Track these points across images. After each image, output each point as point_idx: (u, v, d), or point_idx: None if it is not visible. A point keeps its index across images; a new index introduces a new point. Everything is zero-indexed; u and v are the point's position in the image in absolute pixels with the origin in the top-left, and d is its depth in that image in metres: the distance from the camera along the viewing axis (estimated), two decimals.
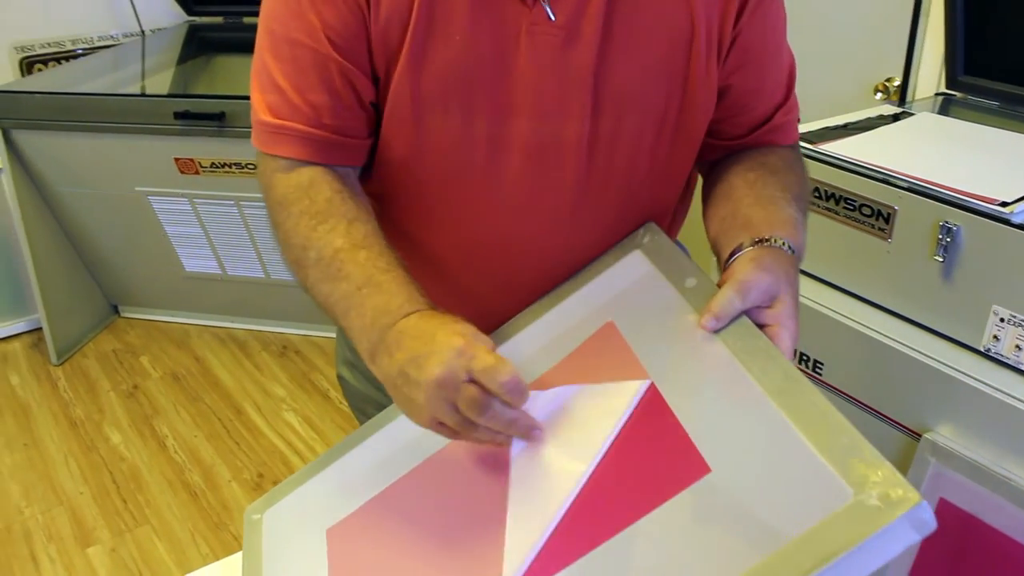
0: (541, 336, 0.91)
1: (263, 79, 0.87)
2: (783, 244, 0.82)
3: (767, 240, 0.82)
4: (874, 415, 1.44)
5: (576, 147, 0.88)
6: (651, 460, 0.73)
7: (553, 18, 0.83)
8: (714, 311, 0.75)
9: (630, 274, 0.91)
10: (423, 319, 0.76)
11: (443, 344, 0.72)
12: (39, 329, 2.76)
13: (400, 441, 0.91)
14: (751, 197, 0.89)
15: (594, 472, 0.75)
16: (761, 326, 0.76)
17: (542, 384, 0.84)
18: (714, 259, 0.90)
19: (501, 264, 0.95)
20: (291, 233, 0.85)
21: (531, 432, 0.76)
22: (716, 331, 0.75)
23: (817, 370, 1.51)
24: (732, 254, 0.83)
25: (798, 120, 1.02)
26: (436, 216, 0.94)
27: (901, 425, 1.40)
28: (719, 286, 0.80)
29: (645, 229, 0.95)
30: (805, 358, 1.53)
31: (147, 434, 2.37)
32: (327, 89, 0.85)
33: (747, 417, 0.70)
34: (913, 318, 1.41)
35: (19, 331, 2.88)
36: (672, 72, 0.88)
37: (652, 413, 0.75)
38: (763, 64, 0.94)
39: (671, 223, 1.04)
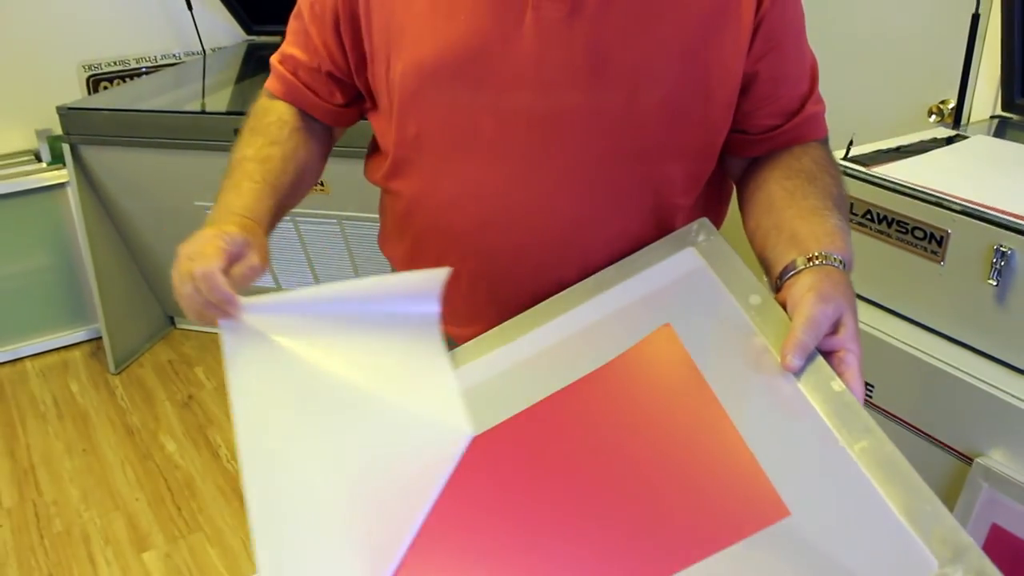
0: (586, 323, 0.91)
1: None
2: (836, 261, 0.83)
3: (818, 257, 0.83)
4: (925, 438, 1.43)
5: (581, 118, 0.91)
6: (724, 493, 0.73)
7: None
8: (795, 352, 0.77)
9: (685, 273, 0.91)
10: (237, 222, 0.91)
11: (204, 231, 0.88)
12: (98, 338, 2.83)
13: None
14: (793, 209, 0.90)
15: (658, 494, 0.75)
16: (829, 351, 0.78)
17: (591, 381, 0.85)
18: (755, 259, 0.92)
19: (514, 238, 0.97)
20: (238, 136, 1.05)
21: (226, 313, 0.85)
22: (797, 372, 0.77)
23: (868, 392, 1.51)
24: (785, 271, 0.85)
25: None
26: (451, 191, 0.98)
27: (953, 449, 1.39)
28: (783, 307, 0.82)
29: (699, 226, 0.94)
30: None
31: (201, 443, 2.43)
32: (304, 50, 1.04)
33: (827, 468, 0.71)
34: (966, 342, 1.40)
35: (79, 340, 2.96)
36: (687, 52, 0.90)
37: (725, 444, 0.76)
38: (786, 51, 0.97)
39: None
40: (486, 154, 0.94)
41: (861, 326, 1.46)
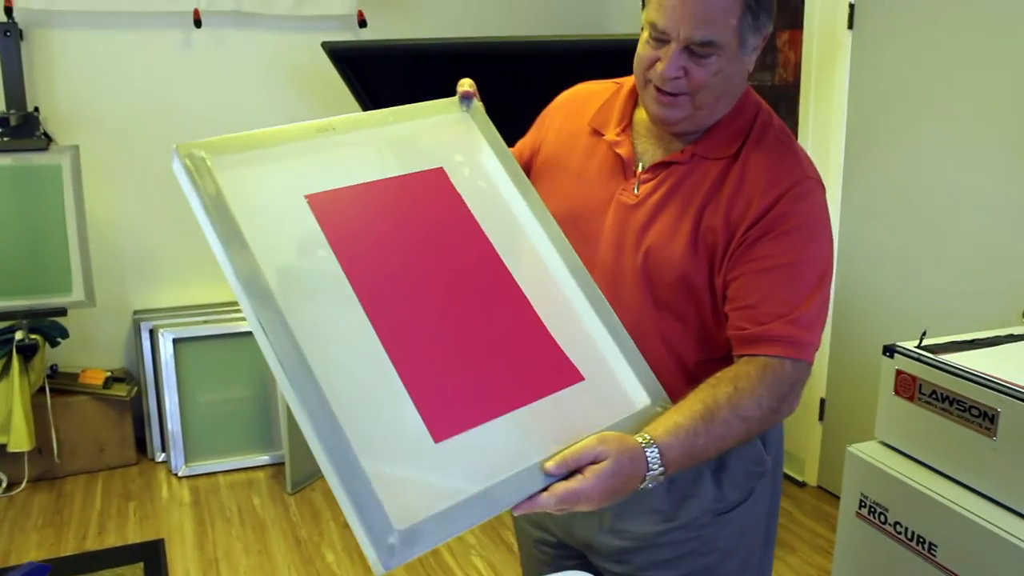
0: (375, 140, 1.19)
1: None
2: (645, 440, 1.07)
3: (646, 442, 1.07)
4: None
5: (630, 272, 1.26)
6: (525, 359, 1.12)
7: (637, 192, 1.26)
8: (558, 464, 1.02)
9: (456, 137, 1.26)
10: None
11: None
12: (281, 463, 3.29)
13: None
14: (688, 396, 1.14)
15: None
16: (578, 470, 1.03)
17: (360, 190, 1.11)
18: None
19: None
20: None
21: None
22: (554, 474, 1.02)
23: (932, 552, 1.69)
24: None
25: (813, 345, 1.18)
26: None
27: None
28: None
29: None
30: (921, 540, 1.71)
31: (356, 558, 2.78)
32: None
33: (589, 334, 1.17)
34: (1017, 509, 1.59)
35: (265, 463, 3.44)
36: (689, 245, 1.22)
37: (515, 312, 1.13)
38: (762, 277, 1.18)
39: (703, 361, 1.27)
40: None
41: (926, 491, 1.70)
